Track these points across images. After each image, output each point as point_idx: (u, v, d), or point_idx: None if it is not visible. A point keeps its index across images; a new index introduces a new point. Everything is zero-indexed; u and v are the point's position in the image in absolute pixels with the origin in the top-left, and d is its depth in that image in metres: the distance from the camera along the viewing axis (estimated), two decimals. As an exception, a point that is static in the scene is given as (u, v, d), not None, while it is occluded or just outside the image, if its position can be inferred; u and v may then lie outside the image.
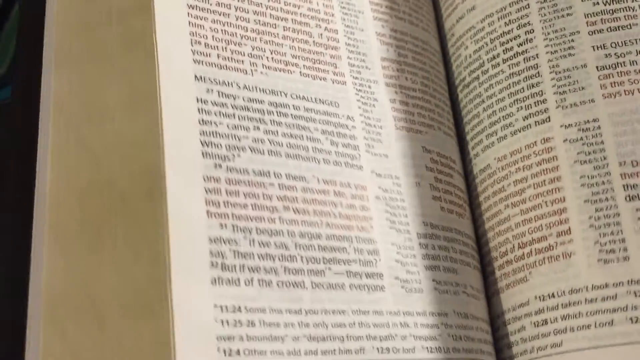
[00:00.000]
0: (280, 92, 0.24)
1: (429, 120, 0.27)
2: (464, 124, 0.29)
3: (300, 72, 0.25)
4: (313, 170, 0.23)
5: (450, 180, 0.27)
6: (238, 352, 0.18)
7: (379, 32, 0.28)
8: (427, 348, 0.22)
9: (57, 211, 0.20)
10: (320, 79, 0.25)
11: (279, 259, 0.21)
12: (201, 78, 0.22)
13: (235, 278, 0.20)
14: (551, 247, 0.25)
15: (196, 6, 0.23)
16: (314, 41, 0.26)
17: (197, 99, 0.22)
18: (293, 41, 0.25)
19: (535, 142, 0.26)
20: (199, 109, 0.21)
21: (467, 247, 0.26)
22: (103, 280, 0.18)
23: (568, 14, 0.26)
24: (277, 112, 0.23)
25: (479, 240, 0.28)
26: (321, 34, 0.26)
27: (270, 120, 0.23)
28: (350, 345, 0.21)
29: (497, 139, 0.27)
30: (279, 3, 0.26)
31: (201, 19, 0.23)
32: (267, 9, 0.25)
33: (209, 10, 0.24)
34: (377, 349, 0.21)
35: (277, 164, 0.22)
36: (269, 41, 0.25)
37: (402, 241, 0.24)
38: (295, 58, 0.25)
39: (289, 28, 0.25)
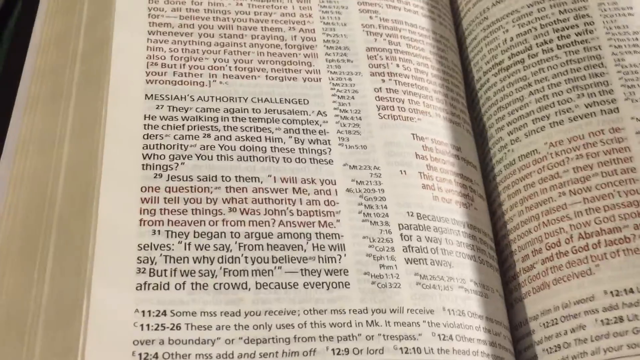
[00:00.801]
0: (239, 98, 0.23)
1: (424, 107, 0.25)
2: (499, 108, 0.27)
3: (266, 75, 0.24)
4: (270, 169, 0.22)
5: (449, 168, 0.24)
6: (156, 356, 0.18)
7: (366, 24, 0.27)
8: (401, 349, 0.19)
9: (4, 235, 0.21)
10: (290, 79, 0.24)
11: (219, 260, 0.20)
12: (152, 96, 0.23)
13: (164, 282, 0.19)
14: (627, 239, 0.23)
15: (157, 31, 0.24)
16: (285, 44, 0.25)
17: (145, 116, 0.22)
18: (262, 47, 0.25)
19: (602, 130, 0.25)
20: (144, 125, 0.22)
21: (471, 239, 0.23)
22: (32, 297, 0.19)
23: (629, 14, 0.26)
24: (232, 118, 0.23)
25: (502, 238, 0.25)
26: (295, 36, 0.26)
27: (224, 127, 0.23)
28: (298, 346, 0.19)
29: (550, 123, 0.25)
30: (248, 14, 0.26)
31: (161, 42, 0.24)
32: (233, 22, 0.25)
33: (170, 33, 0.25)
34: (333, 350, 0.19)
35: (226, 168, 0.22)
36: (234, 52, 0.25)
37: (377, 234, 0.22)
38: (262, 63, 0.25)
39: (258, 36, 0.25)
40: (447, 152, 0.25)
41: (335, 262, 0.21)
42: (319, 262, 0.21)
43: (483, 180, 0.27)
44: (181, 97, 0.23)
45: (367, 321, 0.20)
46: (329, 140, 0.23)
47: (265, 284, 0.20)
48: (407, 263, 0.21)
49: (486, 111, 0.28)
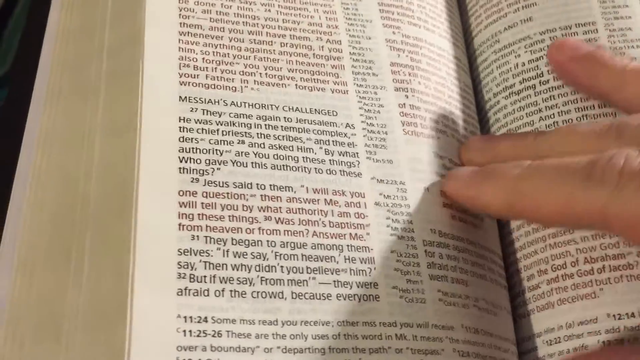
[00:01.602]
0: (271, 106, 0.24)
1: (442, 126, 0.26)
2: (508, 131, 0.28)
3: (296, 84, 0.25)
4: (302, 180, 0.22)
5: None
6: None
7: (390, 39, 0.27)
8: None
9: (30, 231, 0.20)
10: (319, 90, 0.25)
11: (256, 269, 0.20)
12: (186, 99, 0.23)
13: (204, 289, 0.19)
14: (631, 266, 0.23)
15: (188, 32, 0.24)
16: (314, 54, 0.26)
17: (180, 119, 0.22)
18: (290, 56, 0.25)
19: None
20: (180, 128, 0.22)
21: (482, 259, 0.24)
22: (67, 297, 0.19)
23: (638, 46, 0.27)
24: (265, 125, 0.23)
25: (508, 255, 0.26)
26: (322, 47, 0.26)
27: (257, 134, 0.23)
28: (333, 357, 0.19)
29: None
30: (277, 21, 0.26)
31: (192, 44, 0.24)
32: (263, 27, 0.25)
33: (201, 35, 0.24)
34: None
35: (261, 176, 0.22)
36: (264, 58, 0.25)
37: (404, 249, 0.22)
38: (292, 72, 0.25)
39: (287, 44, 0.25)
40: None
41: (366, 275, 0.21)
42: (351, 274, 0.21)
43: None
44: (214, 101, 0.23)
45: (396, 334, 0.20)
46: (357, 153, 0.24)
47: (300, 294, 0.20)
48: (431, 279, 0.22)
49: (495, 132, 0.28)
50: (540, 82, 0.27)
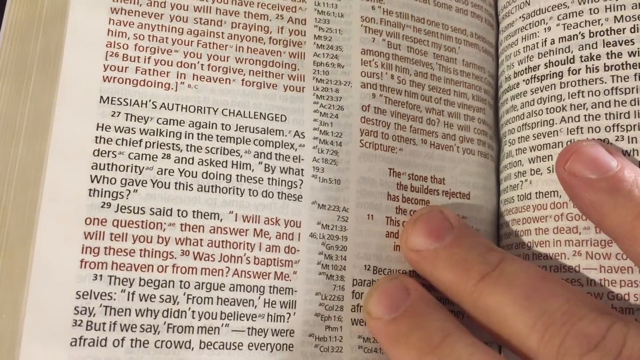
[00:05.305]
0: (209, 109, 0.21)
1: (410, 132, 0.23)
2: (524, 125, 0.22)
3: (242, 80, 0.21)
4: (232, 204, 0.20)
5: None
6: None
7: (366, 17, 0.23)
8: None
9: None
10: (269, 87, 0.22)
11: (164, 314, 0.19)
12: (107, 100, 0.20)
13: (101, 338, 0.18)
14: None
15: (121, 9, 0.21)
16: (270, 38, 0.22)
17: (98, 126, 0.20)
18: (242, 40, 0.22)
19: None
20: (96, 138, 0.19)
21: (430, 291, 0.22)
22: None
23: None
24: (198, 135, 0.20)
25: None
26: (282, 28, 0.22)
27: (187, 146, 0.20)
28: (234, 415, 0.19)
29: None
30: None
31: (125, 25, 0.21)
32: (213, 2, 0.22)
33: (137, 13, 0.21)
34: None
35: (184, 200, 0.20)
36: (209, 44, 0.21)
37: (330, 290, 0.20)
38: (240, 62, 0.21)
39: (239, 24, 0.22)
40: (424, 189, 0.23)
41: (284, 321, 0.20)
42: (268, 320, 0.20)
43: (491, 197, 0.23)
44: (142, 103, 0.20)
45: None
46: (302, 170, 0.21)
47: (209, 344, 0.19)
48: (353, 324, 0.21)
49: (509, 121, 0.23)
50: (569, 71, 0.22)
